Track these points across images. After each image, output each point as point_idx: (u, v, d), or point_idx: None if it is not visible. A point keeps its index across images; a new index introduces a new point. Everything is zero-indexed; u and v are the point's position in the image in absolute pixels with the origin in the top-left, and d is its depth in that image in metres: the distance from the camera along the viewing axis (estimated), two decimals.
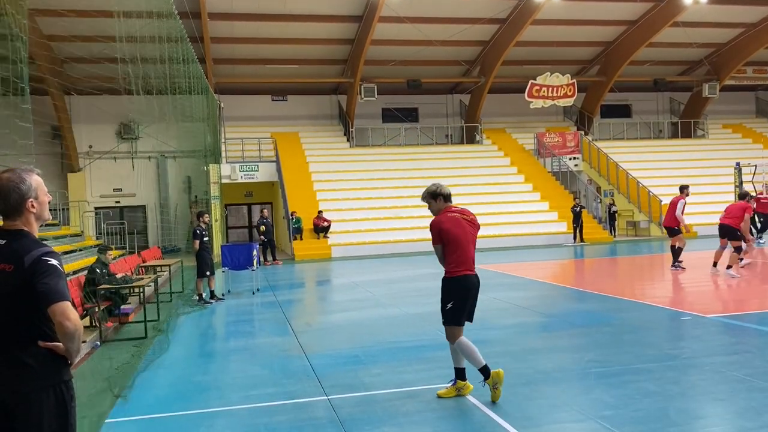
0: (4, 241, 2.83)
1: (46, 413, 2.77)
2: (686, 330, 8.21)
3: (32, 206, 2.90)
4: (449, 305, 5.65)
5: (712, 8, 28.01)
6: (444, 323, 5.72)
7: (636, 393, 5.57)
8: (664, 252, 19.73)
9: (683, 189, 14.02)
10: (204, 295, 12.48)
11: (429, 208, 5.92)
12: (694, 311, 9.27)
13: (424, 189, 5.96)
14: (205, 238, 12.58)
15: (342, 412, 5.46)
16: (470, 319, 5.78)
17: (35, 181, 2.94)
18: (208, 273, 12.53)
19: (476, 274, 5.81)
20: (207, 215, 13.03)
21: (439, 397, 5.68)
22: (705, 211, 25.29)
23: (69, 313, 2.71)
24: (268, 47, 28.53)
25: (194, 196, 27.96)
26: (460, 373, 5.77)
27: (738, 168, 25.28)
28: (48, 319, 2.76)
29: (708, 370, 6.22)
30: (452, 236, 5.71)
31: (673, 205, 13.70)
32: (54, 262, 2.79)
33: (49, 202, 3.04)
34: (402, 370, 6.65)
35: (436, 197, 5.88)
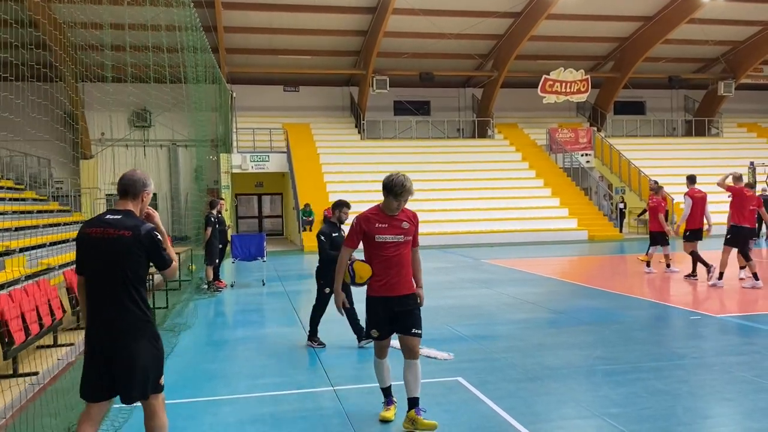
0: (120, 216, 3.80)
1: (142, 352, 3.71)
2: (695, 329, 8.16)
3: (145, 196, 3.94)
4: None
5: (729, 5, 27.69)
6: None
7: (644, 391, 5.54)
8: (675, 249, 19.59)
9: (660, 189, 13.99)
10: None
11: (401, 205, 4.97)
12: (704, 311, 9.22)
13: (406, 182, 4.92)
14: (217, 226, 12.65)
15: (348, 403, 5.48)
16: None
17: (152, 183, 4.02)
18: (217, 261, 12.61)
19: None
20: (223, 201, 13.11)
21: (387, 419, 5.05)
22: (717, 210, 25.02)
23: (174, 272, 3.99)
24: (281, 37, 28.51)
25: (205, 185, 28.07)
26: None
27: (752, 167, 25.07)
28: (142, 282, 3.80)
29: (717, 370, 6.18)
30: None
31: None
32: (157, 234, 3.83)
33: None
34: None
35: None
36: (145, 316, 3.78)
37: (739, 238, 11.07)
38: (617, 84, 32.39)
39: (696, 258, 12.28)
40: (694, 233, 12.39)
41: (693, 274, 12.32)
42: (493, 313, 9.58)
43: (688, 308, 9.54)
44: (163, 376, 3.90)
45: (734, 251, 11.31)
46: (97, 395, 3.75)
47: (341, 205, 7.60)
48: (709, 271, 11.82)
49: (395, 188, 4.85)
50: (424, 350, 6.94)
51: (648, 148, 31.76)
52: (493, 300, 10.64)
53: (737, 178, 11.48)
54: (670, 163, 29.95)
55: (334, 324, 9.32)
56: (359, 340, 7.56)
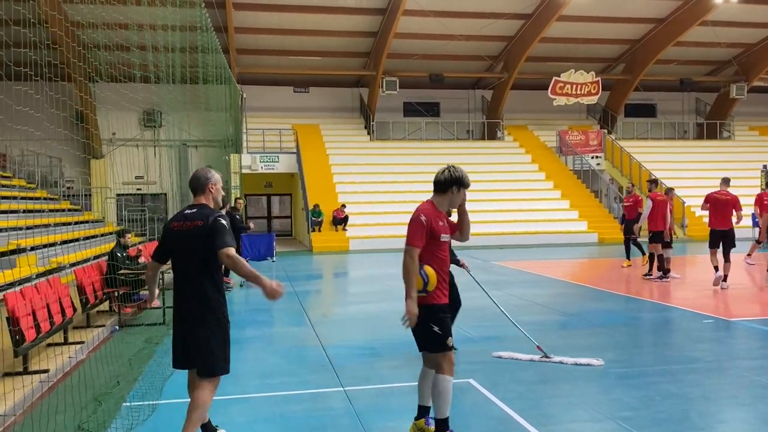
0: (195, 209, 4.35)
1: (212, 331, 4.23)
2: (708, 333, 8.08)
3: (212, 188, 4.45)
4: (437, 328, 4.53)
5: (741, 7, 27.49)
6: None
7: (657, 394, 5.48)
8: (685, 253, 19.47)
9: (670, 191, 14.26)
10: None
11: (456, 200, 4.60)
12: (717, 314, 9.13)
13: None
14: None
15: (358, 403, 5.45)
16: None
17: (215, 175, 4.52)
18: None
19: None
20: (240, 200, 13.20)
21: None
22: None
23: (230, 253, 4.18)
24: (291, 38, 28.56)
25: None
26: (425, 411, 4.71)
27: (765, 171, 24.85)
28: (216, 266, 4.28)
29: (731, 374, 6.11)
30: None
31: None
32: (223, 221, 4.26)
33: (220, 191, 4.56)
34: (418, 364, 6.57)
35: None
36: (219, 298, 4.29)
37: (717, 239, 11.47)
38: (628, 86, 32.22)
39: (659, 260, 13.02)
40: (656, 235, 12.94)
41: (663, 274, 12.75)
42: (502, 315, 9.51)
43: (701, 311, 9.45)
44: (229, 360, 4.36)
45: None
46: (177, 364, 4.38)
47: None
48: (662, 277, 12.73)
49: (465, 179, 4.57)
50: (568, 359, 6.62)
51: (659, 151, 31.57)
52: (502, 302, 10.55)
53: (724, 181, 11.91)
54: (681, 166, 29.77)
55: (343, 324, 9.31)
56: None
